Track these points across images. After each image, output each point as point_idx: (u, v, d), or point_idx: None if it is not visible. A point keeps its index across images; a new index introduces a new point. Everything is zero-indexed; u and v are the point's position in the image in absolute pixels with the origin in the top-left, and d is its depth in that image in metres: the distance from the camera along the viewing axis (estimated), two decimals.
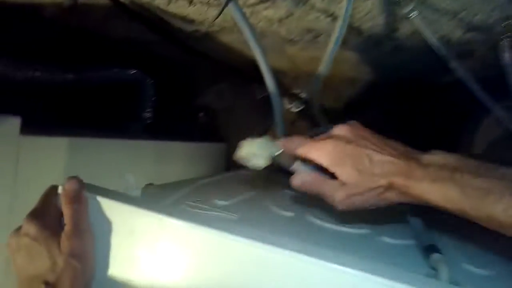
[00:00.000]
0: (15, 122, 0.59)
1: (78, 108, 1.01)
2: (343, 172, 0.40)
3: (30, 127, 0.59)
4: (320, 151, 0.41)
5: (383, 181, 0.39)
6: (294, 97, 1.18)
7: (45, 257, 0.35)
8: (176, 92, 1.20)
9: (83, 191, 0.38)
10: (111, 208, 0.38)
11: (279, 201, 0.54)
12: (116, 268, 0.38)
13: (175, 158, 0.97)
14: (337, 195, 0.41)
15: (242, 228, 0.34)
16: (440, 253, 0.39)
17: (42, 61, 0.87)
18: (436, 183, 0.36)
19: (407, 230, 0.49)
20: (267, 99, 1.33)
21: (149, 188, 0.51)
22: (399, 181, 0.38)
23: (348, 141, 0.41)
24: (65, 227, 0.36)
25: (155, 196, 0.48)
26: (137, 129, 1.10)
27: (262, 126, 1.16)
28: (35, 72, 0.88)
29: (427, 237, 0.44)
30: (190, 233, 0.34)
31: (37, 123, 0.81)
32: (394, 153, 0.40)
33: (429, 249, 0.41)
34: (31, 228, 0.36)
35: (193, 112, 1.17)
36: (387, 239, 0.48)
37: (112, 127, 1.05)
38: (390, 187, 0.39)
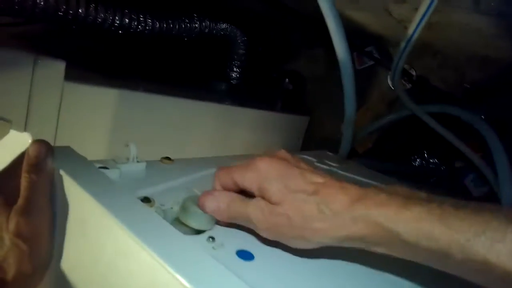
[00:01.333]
0: (60, 67, 0.56)
1: (161, 60, 0.99)
2: None
3: (76, 74, 0.56)
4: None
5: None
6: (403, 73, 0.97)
7: None
8: (266, 53, 1.09)
9: (48, 160, 0.31)
10: (71, 187, 0.30)
11: None
12: (66, 260, 0.31)
13: (246, 126, 0.88)
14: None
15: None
16: None
17: (131, 9, 0.85)
18: (409, 210, 0.26)
19: None
20: (368, 71, 1.12)
21: (163, 162, 0.43)
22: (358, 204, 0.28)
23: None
24: (18, 201, 0.30)
25: (161, 175, 0.40)
26: (220, 89, 1.04)
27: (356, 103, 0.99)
28: (124, 19, 0.87)
29: None
30: (127, 241, 0.25)
31: (115, 72, 0.80)
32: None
33: None
34: None
35: (279, 77, 1.05)
36: None
37: (194, 83, 1.01)
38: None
